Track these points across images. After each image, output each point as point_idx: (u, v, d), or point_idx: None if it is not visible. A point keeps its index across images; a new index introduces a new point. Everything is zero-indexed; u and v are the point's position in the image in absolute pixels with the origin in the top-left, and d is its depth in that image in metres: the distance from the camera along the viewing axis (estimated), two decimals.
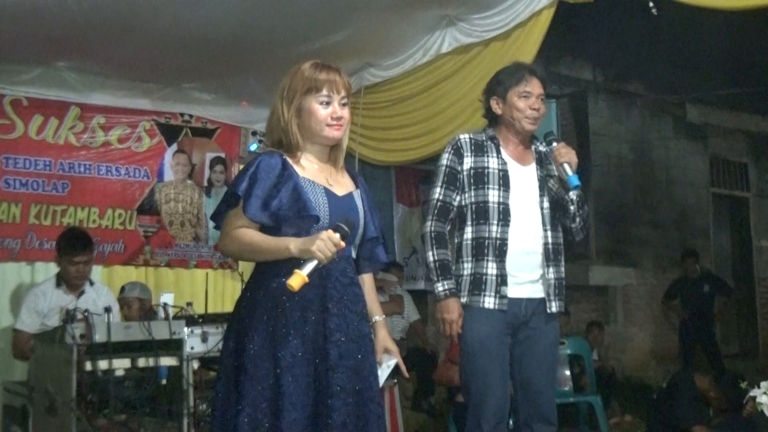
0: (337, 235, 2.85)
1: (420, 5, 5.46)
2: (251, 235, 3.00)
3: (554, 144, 3.95)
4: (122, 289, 6.34)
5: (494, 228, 3.92)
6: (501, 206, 3.94)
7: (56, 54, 6.26)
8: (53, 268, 6.11)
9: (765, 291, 13.06)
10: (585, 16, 5.78)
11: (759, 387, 2.98)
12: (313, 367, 2.97)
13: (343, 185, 3.18)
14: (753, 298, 13.13)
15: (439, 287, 3.92)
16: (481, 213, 3.95)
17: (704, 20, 6.95)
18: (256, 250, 3.01)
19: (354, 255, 3.22)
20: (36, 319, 5.80)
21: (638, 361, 11.19)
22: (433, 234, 3.99)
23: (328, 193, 3.08)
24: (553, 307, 3.99)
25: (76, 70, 6.53)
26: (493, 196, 3.95)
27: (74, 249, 5.82)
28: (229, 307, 3.21)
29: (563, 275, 4.07)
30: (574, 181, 3.84)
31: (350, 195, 3.19)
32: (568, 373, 7.59)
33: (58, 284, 5.92)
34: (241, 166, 7.39)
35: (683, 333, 10.53)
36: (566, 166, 3.85)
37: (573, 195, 3.98)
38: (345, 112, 3.12)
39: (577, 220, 4.04)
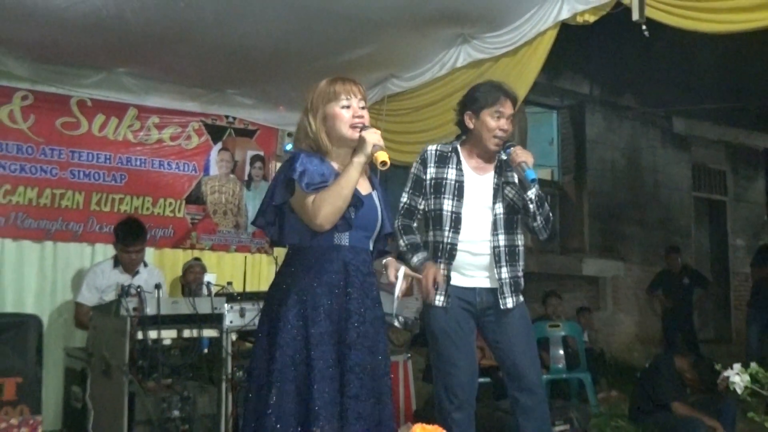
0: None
1: (438, 24, 5.44)
2: (326, 190, 2.96)
3: (511, 149, 3.86)
4: (196, 258, 6.80)
5: (446, 234, 3.90)
6: (453, 215, 3.91)
7: (116, 61, 6.27)
8: (111, 250, 6.15)
9: (739, 284, 12.98)
10: (584, 37, 5.75)
11: (732, 368, 2.95)
12: (337, 346, 2.98)
13: (362, 186, 3.17)
14: (728, 290, 13.07)
15: (414, 260, 3.88)
16: (437, 220, 3.93)
17: (691, 42, 6.91)
18: (343, 188, 2.97)
19: (371, 248, 3.22)
20: (95, 294, 5.85)
21: (624, 344, 11.15)
22: (400, 227, 4.00)
23: (355, 191, 3.07)
24: (508, 303, 3.90)
25: (134, 76, 6.54)
26: (448, 205, 3.92)
27: (128, 239, 5.88)
28: (264, 286, 3.20)
29: (520, 273, 3.98)
30: (531, 174, 3.74)
31: (370, 195, 3.19)
32: (561, 352, 7.57)
33: (116, 265, 5.96)
34: (278, 164, 7.43)
35: (665, 320, 10.48)
36: (523, 164, 3.76)
37: (532, 194, 3.87)
38: (365, 113, 3.14)
39: (538, 219, 3.92)
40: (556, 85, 10.76)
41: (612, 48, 8.39)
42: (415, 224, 4.04)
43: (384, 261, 3.38)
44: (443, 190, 3.94)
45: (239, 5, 5.01)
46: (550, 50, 5.19)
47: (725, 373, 2.99)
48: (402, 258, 3.87)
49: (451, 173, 3.96)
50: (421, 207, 4.01)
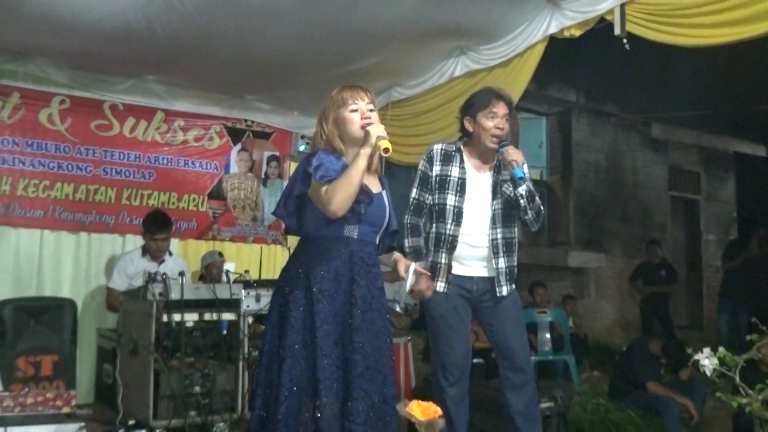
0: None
1: (438, 38, 5.43)
2: (337, 180, 2.96)
3: (504, 148, 3.85)
4: (220, 254, 6.59)
5: (449, 226, 3.89)
6: (456, 209, 3.90)
7: (146, 69, 6.29)
8: (140, 240, 6.16)
9: (710, 276, 12.93)
10: (571, 49, 5.72)
11: (702, 352, 2.95)
12: (341, 327, 3.00)
13: (373, 185, 3.17)
14: (700, 281, 13.03)
15: None
16: (441, 213, 3.92)
17: (668, 54, 6.89)
18: (353, 176, 2.96)
19: (378, 242, 3.22)
20: (125, 280, 5.86)
21: (606, 329, 11.13)
22: (409, 225, 3.98)
23: (366, 187, 3.08)
24: (504, 291, 3.91)
25: (162, 82, 6.55)
26: (451, 200, 3.91)
27: (155, 228, 5.90)
28: (278, 275, 3.21)
29: (515, 263, 3.98)
30: (519, 173, 3.74)
31: (380, 194, 3.19)
32: (548, 336, 7.57)
33: (144, 254, 5.98)
34: (292, 163, 7.44)
35: (643, 307, 10.45)
36: (513, 163, 3.75)
37: (522, 190, 3.86)
38: (374, 114, 3.14)
39: (529, 213, 3.92)
40: (545, 93, 10.74)
41: (596, 60, 8.36)
42: (423, 220, 4.01)
43: (393, 257, 3.39)
44: (447, 186, 3.94)
45: (257, 20, 5.01)
46: (540, 61, 5.18)
47: (696, 356, 2.99)
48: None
49: (454, 171, 3.96)
50: (428, 201, 3.99)
